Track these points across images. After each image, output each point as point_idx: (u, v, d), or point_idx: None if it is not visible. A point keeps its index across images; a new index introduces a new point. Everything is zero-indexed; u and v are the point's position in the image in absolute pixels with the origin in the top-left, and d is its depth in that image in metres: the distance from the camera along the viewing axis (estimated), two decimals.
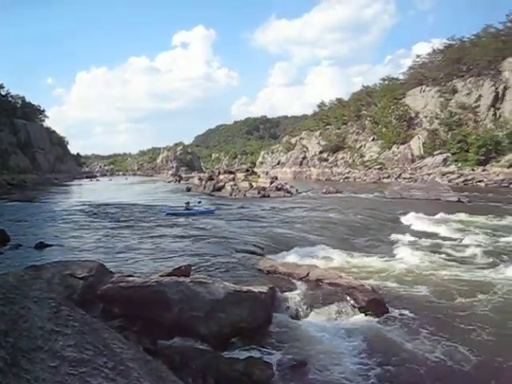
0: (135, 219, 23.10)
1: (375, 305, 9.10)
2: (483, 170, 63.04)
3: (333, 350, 7.59)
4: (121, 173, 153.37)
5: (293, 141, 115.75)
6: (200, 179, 51.43)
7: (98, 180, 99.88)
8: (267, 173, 68.48)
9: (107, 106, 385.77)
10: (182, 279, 8.28)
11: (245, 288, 8.40)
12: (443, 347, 7.73)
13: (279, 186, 44.39)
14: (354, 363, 7.19)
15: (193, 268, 10.83)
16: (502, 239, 18.01)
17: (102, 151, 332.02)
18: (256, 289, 8.54)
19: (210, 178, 47.87)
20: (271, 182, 45.45)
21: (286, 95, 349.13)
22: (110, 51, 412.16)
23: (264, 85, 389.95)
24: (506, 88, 71.49)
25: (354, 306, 9.03)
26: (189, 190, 48.33)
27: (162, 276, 9.02)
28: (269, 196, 39.91)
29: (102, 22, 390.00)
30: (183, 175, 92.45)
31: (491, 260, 14.33)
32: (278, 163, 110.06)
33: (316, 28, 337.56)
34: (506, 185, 53.59)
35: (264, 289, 8.68)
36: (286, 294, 9.45)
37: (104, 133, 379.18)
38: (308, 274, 10.30)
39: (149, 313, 7.70)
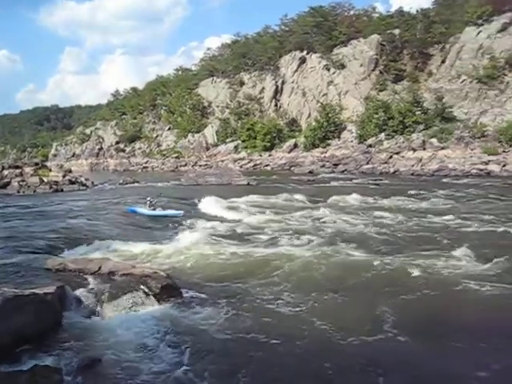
0: None
1: (169, 290, 9.41)
2: (269, 155, 70.17)
3: (128, 342, 7.63)
4: None
5: (88, 131, 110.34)
6: None
7: None
8: (62, 166, 63.53)
9: None
10: None
11: (27, 291, 7.76)
12: (234, 322, 8.46)
13: (73, 179, 41.84)
14: (148, 351, 7.34)
15: None
16: (281, 216, 20.39)
17: None
18: (41, 290, 7.97)
19: None
20: (64, 176, 42.44)
21: (79, 83, 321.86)
22: None
23: (54, 71, 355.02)
24: (283, 82, 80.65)
25: (148, 294, 9.16)
26: None
27: None
28: (62, 190, 37.24)
29: None
30: None
31: (273, 237, 16.11)
32: (73, 155, 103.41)
33: (108, 13, 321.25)
34: (288, 168, 61.23)
35: (50, 289, 8.15)
36: (78, 291, 9.04)
37: None
38: (100, 268, 10.06)
39: None
